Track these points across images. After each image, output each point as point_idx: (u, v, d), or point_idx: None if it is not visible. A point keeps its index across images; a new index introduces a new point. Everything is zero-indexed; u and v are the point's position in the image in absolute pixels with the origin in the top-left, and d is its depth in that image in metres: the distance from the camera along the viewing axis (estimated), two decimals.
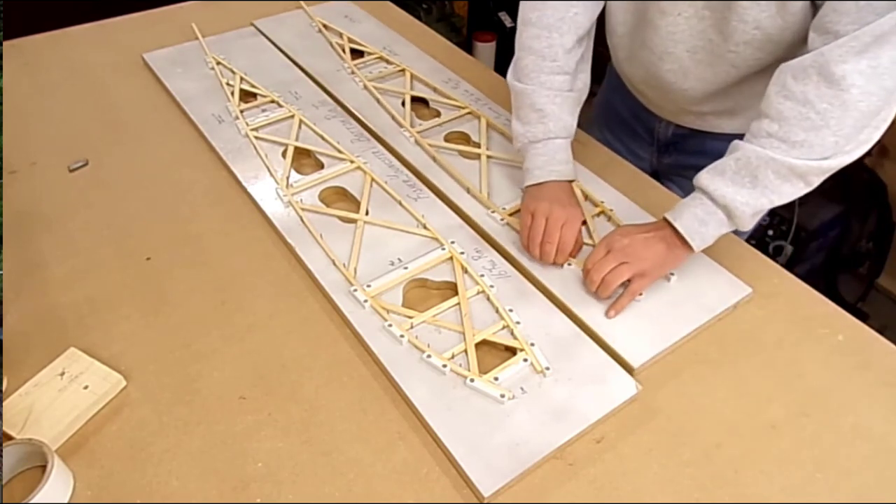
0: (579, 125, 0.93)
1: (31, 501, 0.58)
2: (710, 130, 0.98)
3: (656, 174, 1.09)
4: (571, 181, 0.89)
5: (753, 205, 0.74)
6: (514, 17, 0.85)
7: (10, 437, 0.66)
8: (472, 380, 0.70)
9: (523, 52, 0.88)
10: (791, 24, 0.76)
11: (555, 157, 0.87)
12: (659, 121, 1.02)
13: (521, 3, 0.88)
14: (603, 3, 0.89)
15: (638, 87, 1.00)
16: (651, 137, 1.06)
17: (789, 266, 0.88)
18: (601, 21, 0.92)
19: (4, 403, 0.68)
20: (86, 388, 0.70)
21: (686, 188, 1.02)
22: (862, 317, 0.79)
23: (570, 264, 0.83)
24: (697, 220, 0.76)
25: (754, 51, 0.80)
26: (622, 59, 0.97)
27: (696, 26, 0.82)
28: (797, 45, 0.78)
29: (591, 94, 0.97)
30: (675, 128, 1.01)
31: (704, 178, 0.76)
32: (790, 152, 0.71)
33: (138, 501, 0.63)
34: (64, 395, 0.69)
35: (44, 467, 0.61)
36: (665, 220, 0.79)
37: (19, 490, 0.63)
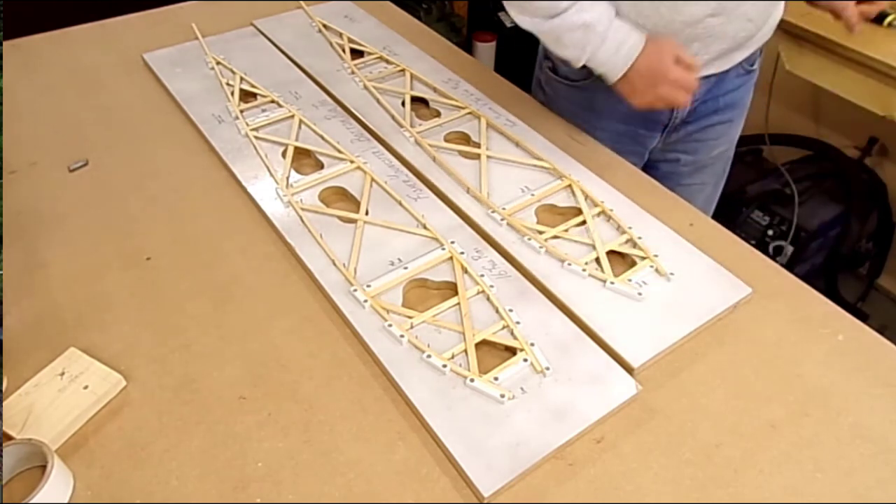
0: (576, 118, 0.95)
1: (31, 501, 0.58)
2: (725, 69, 1.01)
3: (663, 155, 1.14)
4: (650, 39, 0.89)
5: None
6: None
7: (10, 437, 0.66)
8: (472, 380, 0.70)
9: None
10: None
11: (618, 34, 0.88)
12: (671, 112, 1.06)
13: None
14: None
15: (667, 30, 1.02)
16: (662, 126, 1.08)
17: (789, 266, 0.88)
18: None
19: (4, 403, 0.68)
20: (86, 388, 0.70)
21: (694, 152, 1.11)
22: (862, 317, 0.79)
23: (569, 264, 0.83)
24: None
25: None
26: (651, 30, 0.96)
27: None
28: None
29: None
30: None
31: None
32: None
33: (138, 501, 0.63)
34: (64, 395, 0.69)
35: (44, 467, 0.61)
36: None
37: (19, 490, 0.63)
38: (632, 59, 0.88)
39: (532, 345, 0.74)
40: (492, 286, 0.80)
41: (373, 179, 0.96)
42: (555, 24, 0.89)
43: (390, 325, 0.76)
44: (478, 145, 1.03)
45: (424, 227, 0.89)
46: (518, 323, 0.76)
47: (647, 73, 0.88)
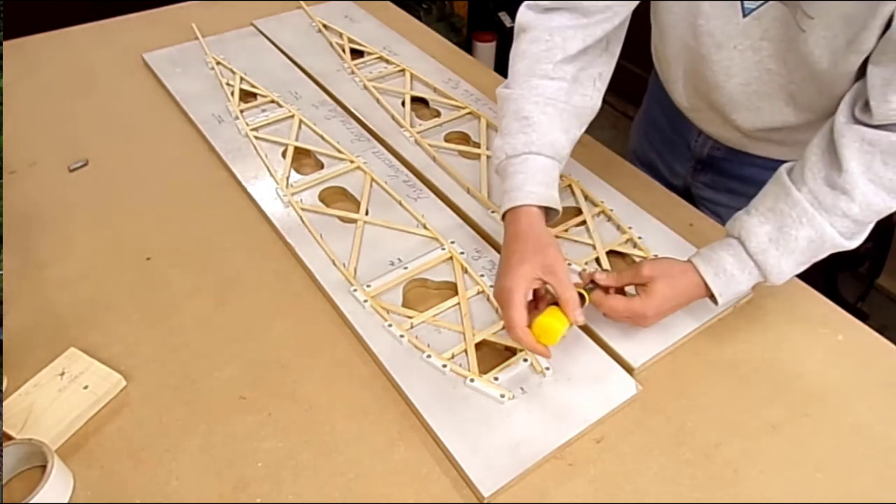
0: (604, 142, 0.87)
1: (31, 501, 0.58)
2: (752, 152, 0.92)
3: (689, 193, 1.03)
4: (549, 210, 0.75)
5: (791, 273, 0.70)
6: (514, 17, 0.82)
7: (10, 437, 0.66)
8: (472, 380, 0.70)
9: (517, 59, 0.78)
10: (848, 77, 0.70)
11: (534, 177, 0.74)
12: (698, 134, 0.97)
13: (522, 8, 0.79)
14: (627, 20, 0.79)
15: (684, 105, 0.94)
16: (689, 152, 1.00)
17: None
18: (641, 40, 0.88)
19: (4, 403, 0.68)
20: (86, 388, 0.70)
21: (719, 211, 0.98)
22: (862, 317, 0.79)
23: (569, 264, 0.83)
24: (737, 294, 0.72)
25: (815, 88, 0.74)
26: (672, 79, 0.91)
27: (752, 58, 0.76)
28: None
29: (629, 116, 0.93)
30: (712, 143, 0.95)
31: (772, 259, 0.68)
32: (855, 237, 0.68)
33: (138, 501, 0.63)
34: (64, 395, 0.69)
35: (44, 467, 0.61)
36: (706, 286, 0.71)
37: (19, 490, 0.63)
38: (505, 208, 0.75)
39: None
40: (492, 286, 0.80)
41: (373, 179, 0.96)
42: (507, 96, 0.78)
43: (390, 325, 0.76)
44: (478, 145, 1.03)
45: (424, 227, 0.89)
46: None
47: (505, 252, 0.72)
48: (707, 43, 0.78)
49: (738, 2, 0.73)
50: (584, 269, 0.82)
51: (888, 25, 0.63)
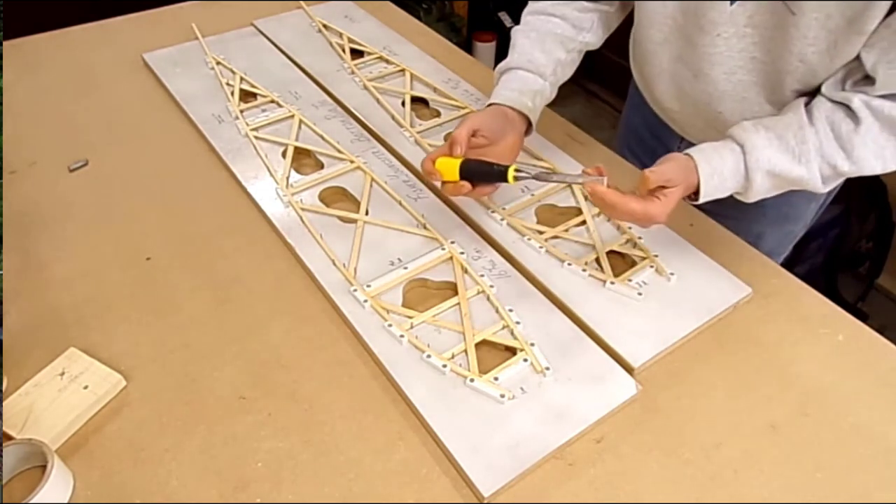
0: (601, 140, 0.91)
1: (31, 501, 0.58)
2: None
3: None
4: (520, 113, 0.84)
5: (763, 195, 0.74)
6: (514, 17, 0.84)
7: (10, 437, 0.66)
8: (472, 380, 0.70)
9: (526, 11, 0.87)
10: (839, 62, 0.72)
11: (509, 85, 0.83)
12: (680, 141, 0.98)
13: None
14: None
15: (665, 105, 0.94)
16: None
17: (789, 266, 0.88)
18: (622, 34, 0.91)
19: (4, 403, 0.68)
20: (86, 388, 0.70)
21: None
22: (862, 317, 0.79)
23: (569, 264, 0.83)
24: (720, 192, 0.74)
25: (794, 82, 0.76)
26: (654, 73, 0.91)
27: (736, 45, 0.77)
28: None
29: (618, 111, 0.95)
30: None
31: (759, 177, 0.72)
32: (828, 183, 0.72)
33: (138, 501, 0.63)
34: (64, 395, 0.69)
35: (44, 467, 0.61)
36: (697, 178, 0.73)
37: (19, 490, 0.63)
38: (493, 101, 0.85)
39: (532, 345, 0.74)
40: (492, 286, 0.80)
41: (373, 179, 0.96)
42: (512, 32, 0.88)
43: (390, 325, 0.76)
44: None
45: (424, 227, 0.89)
46: (518, 323, 0.76)
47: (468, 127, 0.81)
48: (692, 24, 0.79)
49: None
50: (585, 269, 0.82)
51: (891, 10, 0.65)
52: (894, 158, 0.69)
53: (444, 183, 0.79)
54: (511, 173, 0.75)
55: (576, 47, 0.89)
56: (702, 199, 0.73)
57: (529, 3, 0.89)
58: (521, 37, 0.86)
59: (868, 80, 0.69)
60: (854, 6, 0.66)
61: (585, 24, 0.88)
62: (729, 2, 0.74)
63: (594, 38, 0.90)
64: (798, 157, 0.70)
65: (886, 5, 0.65)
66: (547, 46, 0.86)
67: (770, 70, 0.77)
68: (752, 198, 0.74)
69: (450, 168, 0.78)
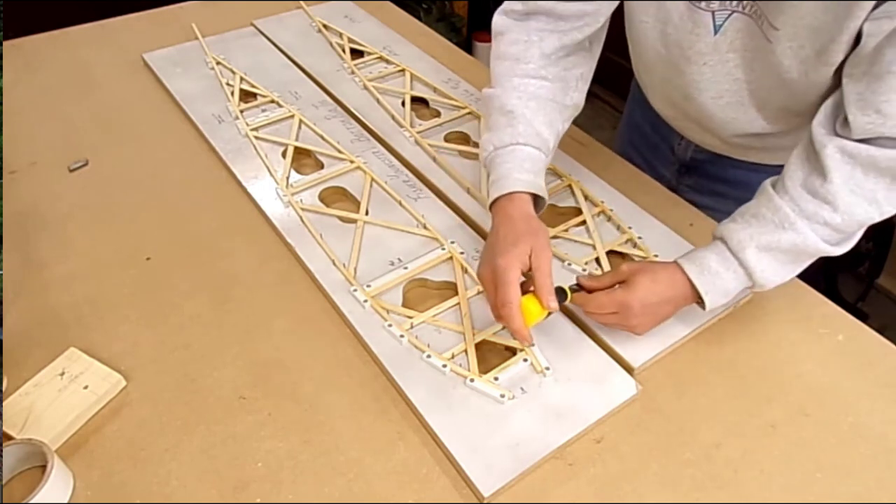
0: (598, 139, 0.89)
1: (31, 501, 0.58)
2: (734, 157, 0.93)
3: (676, 193, 1.03)
4: (538, 198, 0.76)
5: (777, 275, 0.70)
6: None
7: (10, 437, 0.66)
8: (472, 380, 0.70)
9: (497, 61, 0.79)
10: (820, 86, 0.72)
11: (522, 165, 0.75)
12: (680, 137, 0.98)
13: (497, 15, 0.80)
14: (605, 24, 0.80)
15: (663, 112, 0.96)
16: (672, 155, 1.01)
17: None
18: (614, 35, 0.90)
19: (4, 403, 0.68)
20: (86, 388, 0.70)
21: (707, 214, 0.97)
22: (862, 317, 0.79)
23: (570, 264, 0.83)
24: (726, 294, 0.71)
25: (785, 95, 0.76)
26: (647, 84, 0.92)
27: (720, 71, 0.77)
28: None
29: (618, 111, 0.94)
30: (694, 147, 0.97)
31: (751, 256, 0.68)
32: (842, 245, 0.69)
33: (138, 501, 0.63)
34: (64, 395, 0.69)
35: (44, 467, 0.61)
36: (691, 285, 0.71)
37: (19, 490, 0.63)
38: (494, 196, 0.75)
39: (532, 345, 0.74)
40: None
41: (373, 179, 0.96)
42: (490, 94, 0.80)
43: (390, 325, 0.76)
44: (478, 145, 1.03)
45: (424, 227, 0.89)
46: None
47: (496, 235, 0.73)
48: (676, 54, 0.79)
49: (709, 14, 0.73)
50: (585, 269, 0.82)
51: (857, 41, 0.64)
52: (888, 200, 0.66)
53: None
54: (569, 293, 0.72)
55: (569, 115, 0.83)
56: (705, 298, 0.70)
57: (508, 62, 0.79)
58: (519, 104, 0.76)
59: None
60: (821, 38, 0.66)
61: (571, 82, 0.81)
62: (713, 34, 0.74)
63: (581, 99, 0.84)
64: (780, 224, 0.67)
65: (849, 40, 0.65)
66: (549, 117, 0.79)
67: (755, 89, 0.78)
68: (763, 283, 0.70)
69: (530, 312, 0.69)
